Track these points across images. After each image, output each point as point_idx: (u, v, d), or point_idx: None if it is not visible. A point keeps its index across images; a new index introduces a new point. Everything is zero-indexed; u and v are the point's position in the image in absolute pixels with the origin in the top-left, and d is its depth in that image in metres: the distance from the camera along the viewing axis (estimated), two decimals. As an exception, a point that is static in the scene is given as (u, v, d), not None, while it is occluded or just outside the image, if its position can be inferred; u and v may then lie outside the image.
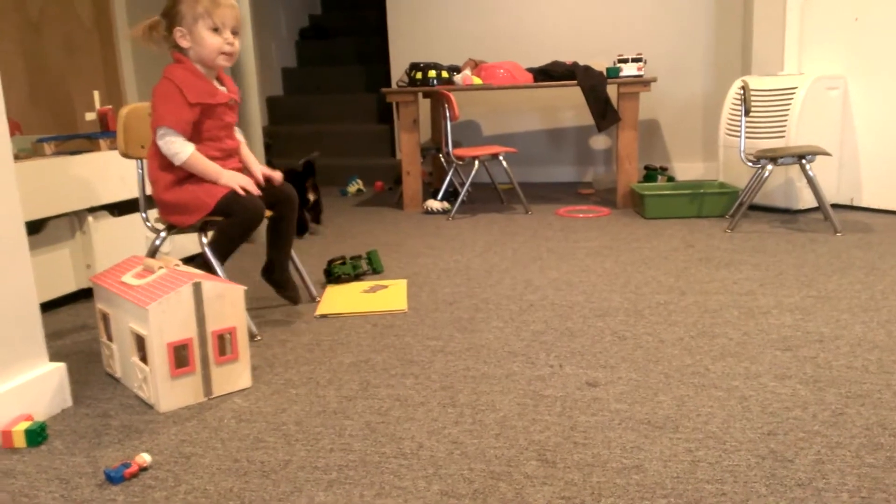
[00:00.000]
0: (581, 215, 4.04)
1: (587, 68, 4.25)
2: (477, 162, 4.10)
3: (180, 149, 2.09)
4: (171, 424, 1.65)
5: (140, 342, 1.76)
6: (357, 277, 2.86)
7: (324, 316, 2.42)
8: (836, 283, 2.54)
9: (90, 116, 3.37)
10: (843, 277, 2.60)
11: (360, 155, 5.80)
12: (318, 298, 2.60)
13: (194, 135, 2.13)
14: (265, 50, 6.07)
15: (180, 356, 1.73)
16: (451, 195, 4.56)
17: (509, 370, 1.88)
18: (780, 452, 1.40)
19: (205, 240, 2.22)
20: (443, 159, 4.66)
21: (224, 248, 2.17)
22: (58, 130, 4.05)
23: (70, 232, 2.69)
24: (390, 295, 2.62)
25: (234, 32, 2.14)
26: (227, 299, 1.79)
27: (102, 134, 3.05)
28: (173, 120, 2.07)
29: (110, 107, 3.31)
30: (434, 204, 4.34)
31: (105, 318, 1.94)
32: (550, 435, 1.51)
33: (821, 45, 4.07)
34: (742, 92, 3.56)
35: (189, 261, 2.23)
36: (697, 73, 5.13)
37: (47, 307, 2.62)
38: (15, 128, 3.63)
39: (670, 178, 4.95)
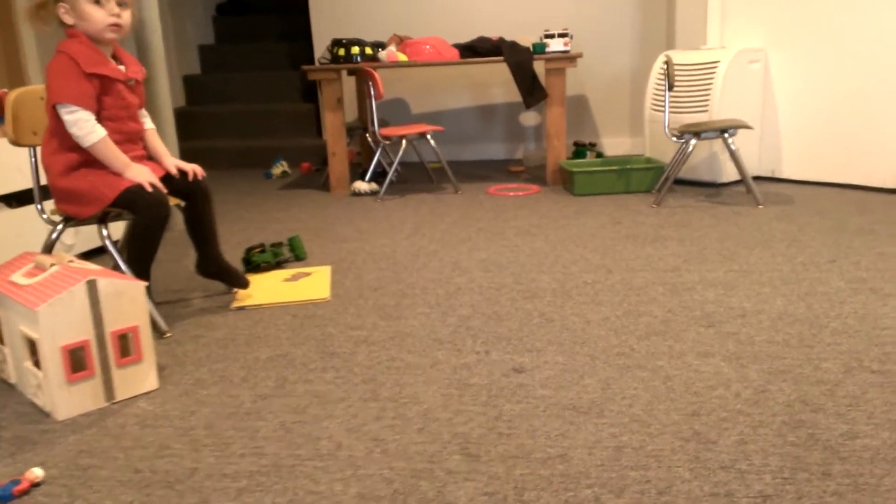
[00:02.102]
0: (511, 194, 4.00)
1: (513, 44, 4.19)
2: (404, 141, 4.00)
3: (93, 129, 1.94)
4: (68, 434, 1.52)
5: (32, 346, 1.62)
6: (278, 265, 2.75)
7: (241, 308, 2.30)
8: (757, 256, 2.57)
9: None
10: (765, 250, 2.64)
11: (285, 135, 5.62)
12: (236, 290, 2.48)
13: None
14: (180, 26, 5.78)
15: (77, 359, 1.60)
16: (379, 175, 4.46)
17: (434, 359, 1.81)
18: (704, 434, 1.38)
19: (106, 232, 2.07)
20: (369, 139, 4.54)
21: (139, 252, 2.04)
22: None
23: (-40, 226, 2.49)
24: (313, 283, 2.52)
25: (121, 3, 1.99)
26: (127, 296, 1.66)
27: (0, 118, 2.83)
28: (75, 95, 1.92)
29: (5, 90, 3.07)
30: (362, 185, 4.23)
31: (-6, 320, 1.78)
32: (475, 426, 1.46)
33: (742, 18, 4.11)
34: (665, 67, 3.56)
35: (100, 252, 2.08)
36: (624, 48, 5.14)
37: (-63, 308, 2.42)
38: None
39: (599, 154, 4.96)
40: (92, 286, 1.60)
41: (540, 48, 4.12)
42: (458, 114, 5.41)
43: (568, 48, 4.17)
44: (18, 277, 1.70)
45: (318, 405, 1.59)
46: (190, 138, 5.44)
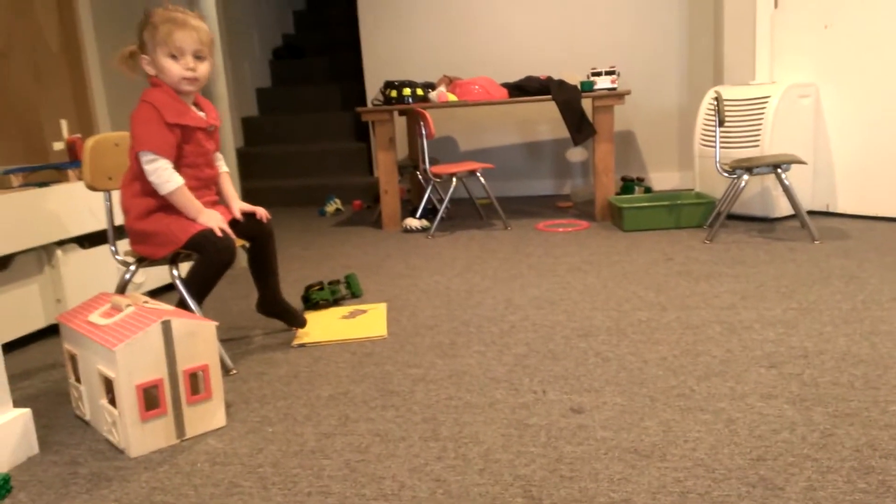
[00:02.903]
0: (560, 229, 4.02)
1: (561, 83, 4.24)
2: (454, 179, 4.07)
3: (170, 178, 2.04)
4: (141, 470, 1.58)
5: (108, 384, 1.70)
6: (336, 302, 2.81)
7: (302, 345, 2.36)
8: (816, 293, 2.53)
9: (59, 146, 3.30)
10: (824, 288, 2.59)
11: (338, 174, 5.76)
12: (294, 328, 2.54)
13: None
14: (238, 70, 6.02)
15: (150, 398, 1.67)
16: (429, 212, 4.53)
17: (492, 398, 1.83)
18: (770, 479, 1.37)
19: (176, 272, 2.16)
20: (420, 177, 4.62)
21: (199, 288, 2.13)
22: (27, 161, 3.97)
23: (39, 266, 2.62)
24: (370, 320, 2.57)
25: (199, 56, 2.09)
26: (199, 336, 1.73)
27: (71, 164, 2.98)
28: (157, 144, 2.02)
29: (79, 136, 3.24)
30: (413, 222, 4.31)
31: (73, 358, 1.87)
32: (536, 468, 1.47)
33: (791, 53, 4.10)
34: (715, 102, 3.56)
35: (166, 290, 2.17)
36: (671, 83, 5.15)
37: (16, 345, 2.54)
38: (-19, 157, 3.56)
39: (647, 189, 4.95)
40: (167, 326, 1.68)
41: (587, 86, 4.16)
42: (506, 151, 5.48)
43: (615, 86, 4.21)
44: (96, 318, 1.79)
45: (380, 444, 1.62)
46: (248, 178, 5.61)
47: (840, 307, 2.37)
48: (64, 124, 3.32)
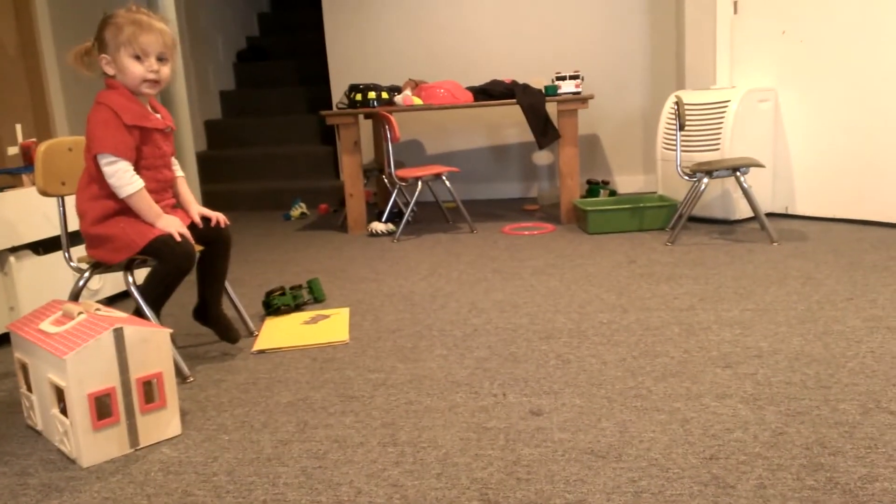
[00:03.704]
0: (526, 233, 4.04)
1: (526, 87, 4.27)
2: (420, 182, 4.07)
3: (131, 180, 2.01)
4: (93, 481, 1.55)
5: (60, 393, 1.66)
6: (298, 308, 2.79)
7: (261, 351, 2.34)
8: (773, 294, 2.58)
9: (13, 151, 3.23)
10: (781, 289, 2.64)
11: (304, 177, 5.72)
12: (256, 333, 2.51)
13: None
14: (202, 73, 5.95)
15: (102, 406, 1.63)
16: (395, 216, 4.52)
17: (452, 402, 1.83)
18: (723, 478, 1.39)
19: (131, 279, 2.12)
20: (386, 180, 4.61)
21: (156, 295, 2.10)
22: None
23: (-11, 273, 2.56)
24: (332, 325, 2.56)
25: (161, 59, 2.07)
26: (152, 343, 1.70)
27: (25, 169, 2.92)
28: (116, 145, 1.99)
29: (34, 140, 3.18)
30: (378, 226, 4.29)
31: (24, 367, 1.82)
32: (493, 471, 1.47)
33: (751, 58, 4.17)
34: (676, 107, 3.61)
35: (124, 297, 2.13)
36: (635, 87, 5.21)
37: (-34, 354, 2.48)
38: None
39: (612, 192, 5.00)
40: (119, 334, 1.65)
41: (552, 90, 4.19)
42: (473, 154, 5.49)
43: (580, 90, 4.24)
44: (47, 326, 1.75)
45: (337, 450, 1.61)
46: (211, 181, 5.55)
47: (795, 308, 2.41)
48: (18, 128, 3.24)
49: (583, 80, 4.46)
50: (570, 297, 2.72)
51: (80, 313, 1.75)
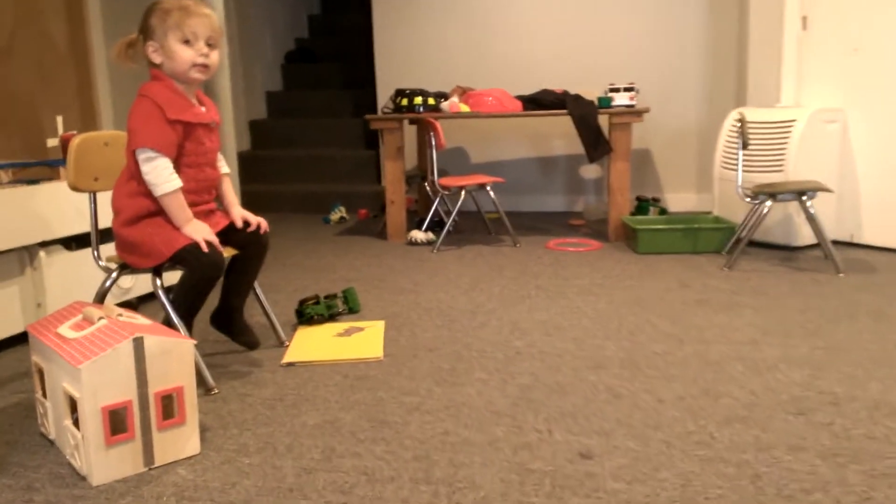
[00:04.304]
0: (571, 249, 3.86)
1: (577, 97, 4.10)
2: (463, 192, 3.93)
3: (168, 178, 1.91)
4: (102, 501, 1.43)
5: (73, 404, 1.55)
6: (331, 318, 2.66)
7: (290, 364, 2.21)
8: (844, 331, 2.37)
9: (52, 143, 3.18)
10: (852, 325, 2.43)
11: (345, 181, 5.63)
12: (287, 343, 2.39)
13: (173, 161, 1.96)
14: (249, 72, 5.91)
15: (117, 421, 1.52)
16: (436, 225, 4.38)
17: (492, 435, 1.68)
18: (804, 551, 1.21)
19: (159, 282, 2.02)
20: (428, 188, 4.48)
21: (187, 304, 2.00)
22: (27, 158, 3.85)
23: (20, 268, 2.48)
24: (366, 339, 2.42)
25: (210, 44, 1.97)
26: (174, 355, 1.59)
27: (63, 161, 2.86)
28: (157, 141, 1.89)
29: (74, 132, 3.12)
30: (419, 235, 4.16)
31: (40, 372, 1.73)
32: (537, 523, 1.31)
33: (819, 77, 3.94)
34: (739, 124, 3.41)
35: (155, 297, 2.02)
36: (690, 102, 5.00)
37: (-10, 350, 2.40)
38: (-21, 152, 3.44)
39: (662, 210, 4.79)
40: (139, 344, 1.53)
41: (605, 102, 4.02)
42: (518, 164, 5.33)
43: (634, 102, 4.06)
44: (66, 329, 1.65)
45: (365, 484, 1.47)
46: (253, 181, 5.50)
47: (869, 348, 2.20)
48: (60, 120, 3.19)
49: (637, 92, 4.28)
50: (619, 321, 2.54)
51: (100, 318, 1.64)
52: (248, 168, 5.55)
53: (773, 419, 1.72)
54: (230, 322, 2.20)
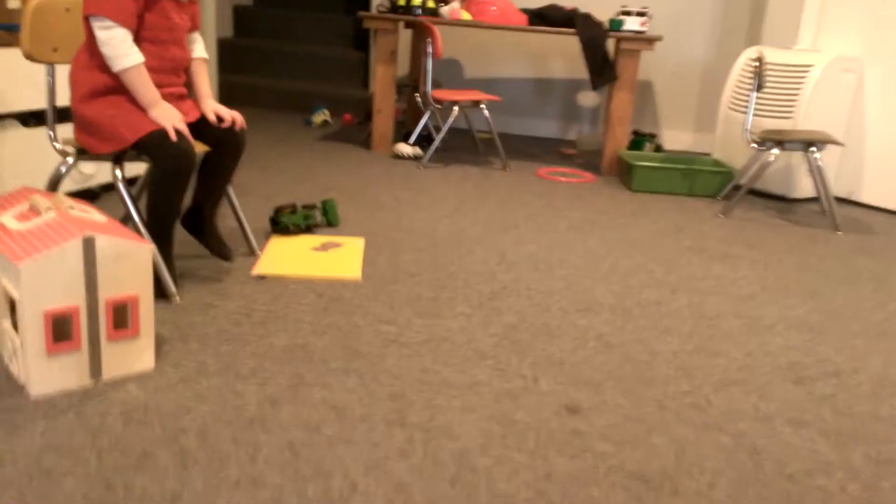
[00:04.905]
0: (563, 179, 3.70)
1: (587, 17, 3.83)
2: (456, 108, 3.70)
3: (126, 52, 1.68)
4: (38, 417, 1.29)
5: (13, 305, 1.39)
6: (308, 230, 2.49)
7: (262, 277, 2.05)
8: (843, 296, 2.27)
9: (14, 3, 2.86)
10: (851, 290, 2.33)
11: (330, 82, 5.33)
12: (259, 252, 2.23)
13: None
14: (236, -49, 5.47)
15: (61, 328, 1.36)
16: (424, 139, 4.16)
17: (474, 378, 1.56)
18: (806, 541, 1.12)
19: (119, 174, 1.82)
20: (419, 99, 4.24)
21: (159, 214, 1.79)
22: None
23: (-33, 141, 2.25)
24: (343, 256, 2.27)
25: None
26: (129, 260, 1.41)
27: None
28: (112, 8, 1.65)
29: (36, -5, 2.81)
30: (405, 148, 3.95)
31: (-23, 263, 1.54)
32: (520, 485, 1.20)
33: (840, 21, 3.72)
34: (757, 64, 3.21)
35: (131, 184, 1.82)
36: (699, 35, 4.75)
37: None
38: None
39: (658, 147, 4.62)
40: (89, 245, 1.35)
41: (616, 25, 3.77)
42: (513, 83, 5.07)
43: (645, 28, 3.82)
44: (8, 219, 1.46)
45: (335, 421, 1.35)
46: (232, 71, 5.17)
47: (870, 317, 2.11)
48: (21, -21, 2.86)
49: (650, 18, 4.02)
50: (611, 263, 2.41)
51: (48, 209, 1.45)
52: (228, 56, 5.21)
53: (772, 386, 1.62)
54: (200, 226, 2.01)
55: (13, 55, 2.31)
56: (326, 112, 4.82)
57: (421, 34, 3.89)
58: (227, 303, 1.85)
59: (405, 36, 4.77)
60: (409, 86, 4.39)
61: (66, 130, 2.00)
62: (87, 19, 1.68)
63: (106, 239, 1.37)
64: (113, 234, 1.40)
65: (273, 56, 5.38)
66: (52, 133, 1.91)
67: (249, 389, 1.44)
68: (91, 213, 1.51)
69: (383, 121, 4.02)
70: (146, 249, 1.44)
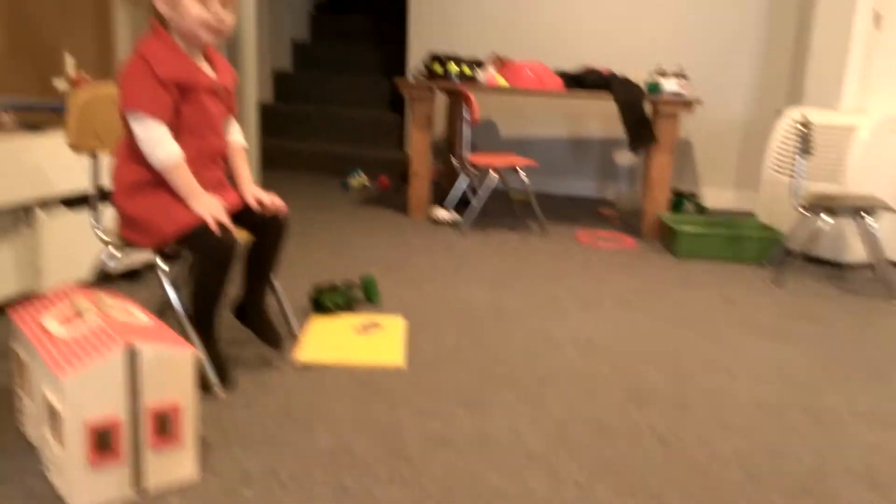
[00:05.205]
0: (603, 244, 3.63)
1: (625, 80, 3.82)
2: (493, 173, 3.68)
3: (164, 147, 1.69)
4: (79, 536, 1.24)
5: (54, 415, 1.35)
6: (349, 308, 2.45)
7: (305, 365, 2.01)
8: (911, 378, 2.15)
9: (60, 84, 2.94)
10: (919, 371, 2.21)
11: (366, 143, 5.37)
12: (299, 334, 2.19)
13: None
14: (277, 19, 5.60)
15: (103, 439, 1.32)
16: (460, 201, 4.14)
17: (525, 485, 1.48)
18: None
19: (164, 266, 1.81)
20: (455, 163, 4.23)
21: (203, 307, 1.77)
22: (38, 90, 3.61)
23: (14, 227, 2.27)
24: (385, 339, 2.22)
25: (224, 3, 1.72)
26: (173, 366, 1.38)
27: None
28: (148, 103, 1.66)
29: (84, 74, 2.88)
30: (442, 213, 3.93)
31: (20, 365, 1.53)
32: None
33: (888, 81, 3.64)
34: (803, 129, 3.13)
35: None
36: (738, 94, 4.70)
37: (-23, 315, 2.21)
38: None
39: (700, 207, 4.54)
40: (132, 354, 1.32)
41: (654, 88, 3.75)
42: (549, 143, 5.06)
43: (683, 91, 3.79)
44: (51, 323, 1.44)
45: (382, 540, 1.28)
46: (271, 135, 5.25)
47: (943, 404, 1.98)
48: (68, 60, 2.93)
49: (688, 80, 3.98)
50: (660, 342, 2.33)
51: (90, 312, 1.43)
52: (268, 121, 5.29)
53: (845, 493, 1.50)
54: (246, 315, 1.99)
55: (58, 139, 2.34)
56: (363, 175, 4.85)
57: (457, 98, 3.91)
58: (269, 398, 1.80)
59: (441, 97, 4.81)
60: (445, 149, 4.39)
61: (109, 215, 1.99)
62: (124, 115, 1.69)
63: (148, 346, 1.34)
64: (155, 339, 1.37)
65: (311, 119, 5.46)
66: (95, 222, 1.92)
67: (290, 498, 1.37)
68: (133, 313, 1.49)
69: (420, 186, 4.01)
70: (189, 354, 1.40)
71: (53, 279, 2.34)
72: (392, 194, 4.58)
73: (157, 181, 1.73)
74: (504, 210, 4.27)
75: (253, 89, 4.01)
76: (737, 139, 4.78)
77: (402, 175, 4.87)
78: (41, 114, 2.64)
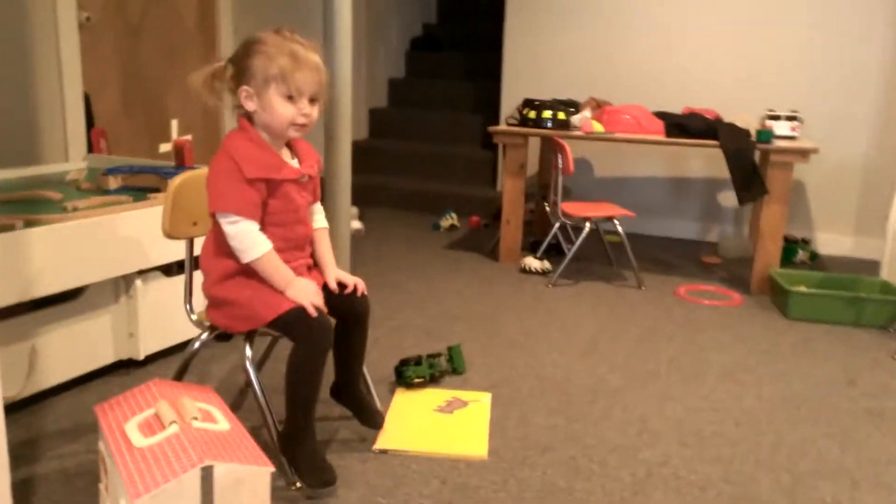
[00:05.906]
0: (706, 302, 3.40)
1: (732, 127, 3.59)
2: (588, 224, 3.54)
3: (254, 244, 1.68)
4: None
5: (130, 528, 1.34)
6: (433, 379, 2.38)
7: (384, 451, 1.95)
8: None
9: (164, 148, 3.03)
10: None
11: (458, 181, 5.33)
12: (382, 411, 2.12)
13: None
14: (373, 58, 5.67)
15: (177, 561, 1.29)
16: (552, 248, 4.01)
17: None
18: None
19: (249, 353, 1.79)
20: (547, 209, 4.11)
21: (303, 395, 1.72)
22: (150, 140, 3.78)
23: (114, 295, 2.33)
24: (469, 421, 2.13)
25: (313, 100, 1.70)
26: (247, 485, 1.34)
27: (175, 170, 2.67)
28: (237, 204, 1.66)
29: (188, 138, 2.96)
30: (533, 262, 3.81)
31: (104, 465, 1.53)
32: None
33: None
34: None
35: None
36: (859, 132, 4.33)
37: (76, 382, 2.27)
38: (100, 135, 3.35)
39: (813, 255, 4.22)
40: (207, 475, 1.29)
41: (765, 136, 3.50)
42: (647, 183, 4.85)
43: (796, 134, 3.54)
44: (133, 429, 1.43)
45: None
46: (366, 172, 5.28)
47: None
48: (174, 124, 3.01)
49: (801, 123, 3.71)
50: (774, 434, 2.12)
51: (172, 423, 1.41)
52: (363, 157, 5.34)
53: None
54: (342, 397, 1.98)
55: (156, 212, 2.34)
56: (454, 216, 4.80)
57: (551, 146, 3.80)
58: (347, 490, 1.75)
59: (533, 142, 4.70)
60: (537, 193, 4.28)
61: (200, 299, 2.00)
62: (213, 214, 1.69)
63: (224, 467, 1.31)
64: (233, 455, 1.33)
65: (403, 156, 5.48)
66: (188, 306, 1.93)
67: None
68: (215, 421, 1.46)
69: (512, 234, 3.92)
70: (265, 472, 1.36)
71: (149, 345, 2.39)
72: (482, 236, 4.50)
73: (249, 270, 1.72)
74: (596, 251, 4.08)
75: (348, 129, 4.01)
76: (856, 181, 4.41)
77: (493, 213, 4.79)
78: (146, 177, 2.72)
